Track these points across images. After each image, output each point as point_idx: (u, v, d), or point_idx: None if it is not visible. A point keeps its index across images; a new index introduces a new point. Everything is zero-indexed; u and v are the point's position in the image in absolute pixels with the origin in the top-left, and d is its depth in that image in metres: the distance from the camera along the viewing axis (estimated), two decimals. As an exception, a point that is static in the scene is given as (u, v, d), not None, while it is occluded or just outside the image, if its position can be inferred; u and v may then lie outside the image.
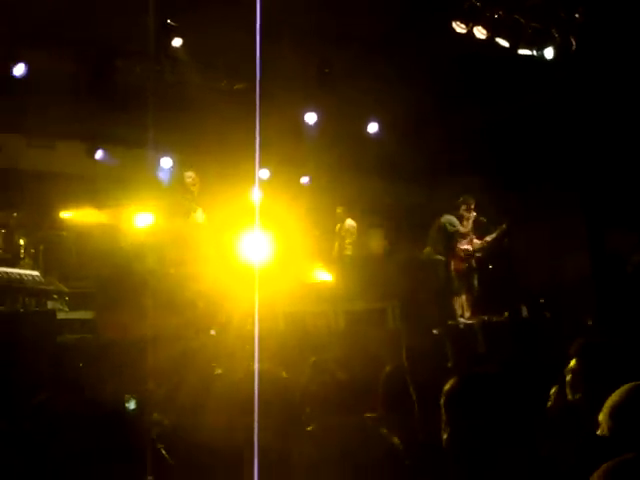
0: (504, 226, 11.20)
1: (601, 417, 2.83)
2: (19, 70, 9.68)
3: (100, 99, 10.84)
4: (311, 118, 12.47)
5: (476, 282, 11.21)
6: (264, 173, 12.76)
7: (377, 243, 12.60)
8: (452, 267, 11.20)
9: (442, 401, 2.74)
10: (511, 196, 12.64)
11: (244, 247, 10.30)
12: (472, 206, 11.27)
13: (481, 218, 11.23)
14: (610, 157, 11.70)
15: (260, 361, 3.43)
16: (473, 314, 10.94)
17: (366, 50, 11.32)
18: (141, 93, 10.32)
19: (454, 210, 11.22)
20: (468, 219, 11.31)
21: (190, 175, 9.27)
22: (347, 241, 11.98)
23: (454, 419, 2.60)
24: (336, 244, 12.04)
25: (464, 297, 11.15)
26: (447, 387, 2.79)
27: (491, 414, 2.64)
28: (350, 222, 12.09)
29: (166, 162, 12.39)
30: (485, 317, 10.80)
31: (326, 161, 12.49)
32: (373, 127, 12.85)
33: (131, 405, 4.16)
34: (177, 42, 10.44)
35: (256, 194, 10.63)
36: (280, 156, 11.88)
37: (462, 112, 11.87)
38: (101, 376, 5.54)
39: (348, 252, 11.92)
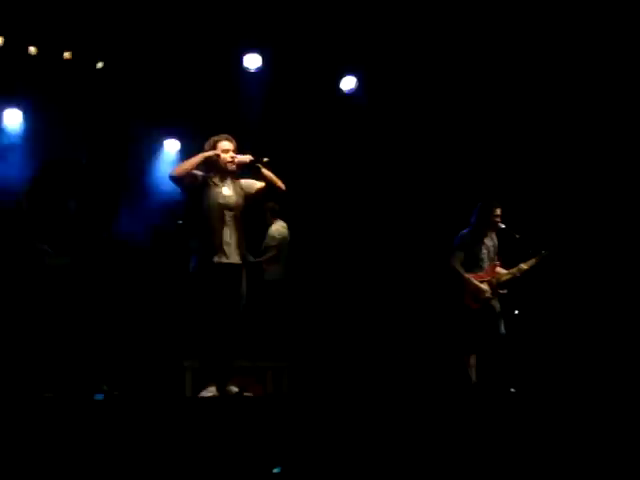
0: (544, 252, 6.93)
1: None
2: None
3: None
4: (253, 61, 8.07)
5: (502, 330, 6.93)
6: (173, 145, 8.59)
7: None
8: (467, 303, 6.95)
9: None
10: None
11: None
12: (498, 215, 6.97)
13: (513, 233, 6.94)
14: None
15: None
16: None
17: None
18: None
19: (480, 218, 7.00)
20: (491, 234, 7.04)
21: None
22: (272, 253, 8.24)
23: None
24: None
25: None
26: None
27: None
28: (281, 225, 8.39)
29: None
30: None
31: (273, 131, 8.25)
32: (349, 82, 8.48)
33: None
34: None
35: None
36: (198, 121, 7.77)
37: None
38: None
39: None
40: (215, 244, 5.33)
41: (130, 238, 7.25)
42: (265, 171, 5.53)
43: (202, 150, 5.47)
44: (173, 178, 5.31)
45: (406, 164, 8.94)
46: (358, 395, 6.98)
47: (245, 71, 8.08)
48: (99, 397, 4.76)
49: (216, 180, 5.41)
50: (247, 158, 5.48)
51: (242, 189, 5.53)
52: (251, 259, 6.86)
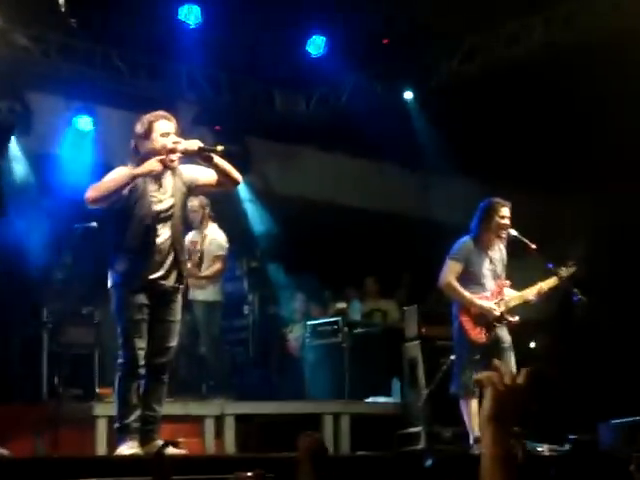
0: (572, 267, 5.45)
1: None
2: None
3: None
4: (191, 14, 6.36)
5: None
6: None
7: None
8: (467, 332, 5.45)
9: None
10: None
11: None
12: (506, 217, 5.45)
13: (528, 243, 5.42)
14: None
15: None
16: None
17: None
18: None
19: (482, 222, 5.45)
20: (498, 243, 5.53)
21: None
22: (206, 271, 6.36)
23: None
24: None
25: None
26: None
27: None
28: (218, 235, 6.47)
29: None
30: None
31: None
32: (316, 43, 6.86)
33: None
34: None
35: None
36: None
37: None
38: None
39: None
40: (146, 262, 4.23)
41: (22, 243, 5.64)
42: (218, 161, 4.26)
43: (132, 133, 4.24)
44: (91, 203, 4.12)
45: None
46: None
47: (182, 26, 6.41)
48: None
49: (150, 184, 4.18)
50: (195, 145, 4.30)
51: (184, 184, 4.28)
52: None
